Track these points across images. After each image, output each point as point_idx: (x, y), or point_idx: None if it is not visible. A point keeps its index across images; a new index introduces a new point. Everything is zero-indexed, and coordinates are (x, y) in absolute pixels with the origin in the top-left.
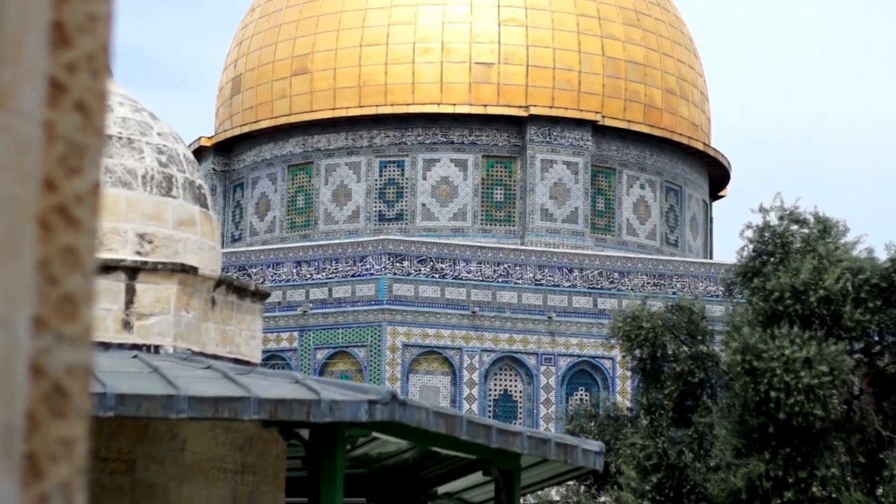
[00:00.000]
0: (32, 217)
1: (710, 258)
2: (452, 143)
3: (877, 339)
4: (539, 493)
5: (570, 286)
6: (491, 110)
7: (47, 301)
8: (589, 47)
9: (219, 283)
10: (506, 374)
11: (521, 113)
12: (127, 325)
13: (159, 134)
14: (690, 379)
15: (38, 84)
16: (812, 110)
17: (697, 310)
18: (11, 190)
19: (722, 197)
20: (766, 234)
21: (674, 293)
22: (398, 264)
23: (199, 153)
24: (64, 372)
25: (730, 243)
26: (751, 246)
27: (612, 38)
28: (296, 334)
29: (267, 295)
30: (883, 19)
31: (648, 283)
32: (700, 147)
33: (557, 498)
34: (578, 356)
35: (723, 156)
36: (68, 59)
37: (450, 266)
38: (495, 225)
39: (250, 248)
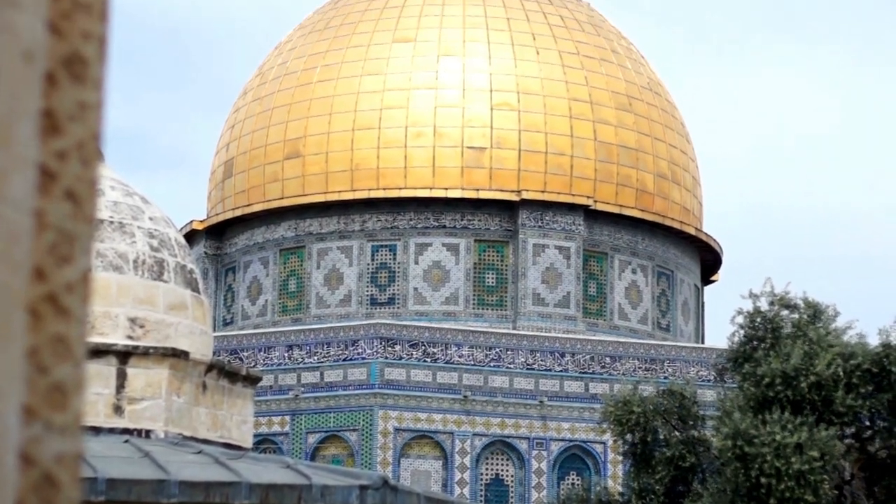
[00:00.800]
0: (22, 306)
1: (702, 343)
2: (444, 227)
3: (868, 424)
4: None
5: (561, 370)
6: (483, 195)
7: (37, 390)
8: (581, 132)
9: (210, 367)
10: (497, 459)
11: (513, 197)
12: (118, 410)
13: (151, 218)
14: (682, 464)
15: (28, 172)
16: (802, 195)
17: (689, 395)
18: (1, 278)
19: (714, 282)
20: (757, 320)
21: (665, 378)
22: (390, 348)
23: (191, 236)
24: (53, 461)
25: (721, 328)
26: (742, 331)
27: (604, 122)
28: (287, 418)
29: (258, 379)
30: (873, 109)
31: (640, 367)
32: (692, 232)
33: None
34: (570, 440)
35: (714, 240)
36: (59, 147)
37: (441, 350)
38: (487, 309)
39: (242, 332)
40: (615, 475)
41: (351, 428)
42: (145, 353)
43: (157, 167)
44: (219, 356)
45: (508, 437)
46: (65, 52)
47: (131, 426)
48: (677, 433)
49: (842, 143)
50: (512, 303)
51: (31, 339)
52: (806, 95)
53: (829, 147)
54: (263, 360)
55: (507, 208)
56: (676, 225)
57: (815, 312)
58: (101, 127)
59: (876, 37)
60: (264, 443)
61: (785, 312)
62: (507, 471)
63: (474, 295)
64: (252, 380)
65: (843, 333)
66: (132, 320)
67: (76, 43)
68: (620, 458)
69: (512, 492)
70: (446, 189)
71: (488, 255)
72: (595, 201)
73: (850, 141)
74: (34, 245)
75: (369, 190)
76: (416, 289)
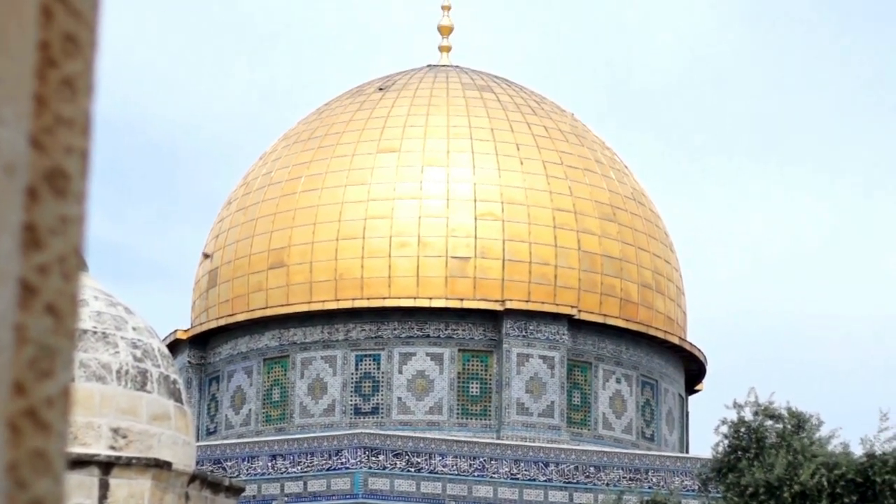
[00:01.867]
0: (2, 420)
1: (686, 453)
2: (429, 336)
3: None
4: None
5: (545, 480)
6: (467, 304)
7: None
8: (565, 241)
9: (193, 478)
10: None
11: (498, 307)
12: None
13: (134, 328)
14: None
15: (8, 286)
16: (785, 304)
17: None
18: None
19: (698, 391)
20: (742, 430)
21: (649, 488)
22: (374, 458)
23: (175, 346)
24: None
25: (706, 437)
26: (726, 441)
27: (588, 232)
28: None
29: (241, 490)
30: (856, 220)
31: (624, 477)
32: (676, 341)
33: None
34: None
35: (699, 350)
36: (40, 262)
37: (425, 460)
38: (471, 419)
39: (225, 442)
40: None
41: None
42: (128, 463)
43: (141, 277)
44: (202, 465)
45: None
46: (46, 167)
47: None
48: None
49: (825, 254)
50: (496, 412)
51: (10, 454)
52: (790, 206)
53: (813, 257)
54: (247, 470)
55: (491, 318)
56: (660, 335)
57: (799, 422)
58: (82, 241)
59: (863, 151)
60: None
61: (769, 422)
62: None
63: (458, 404)
64: (235, 490)
65: (827, 443)
66: (115, 430)
67: (58, 157)
68: None
69: None
70: (430, 299)
71: (472, 365)
72: (579, 311)
73: (833, 251)
74: (14, 359)
75: (353, 300)
76: (399, 398)
